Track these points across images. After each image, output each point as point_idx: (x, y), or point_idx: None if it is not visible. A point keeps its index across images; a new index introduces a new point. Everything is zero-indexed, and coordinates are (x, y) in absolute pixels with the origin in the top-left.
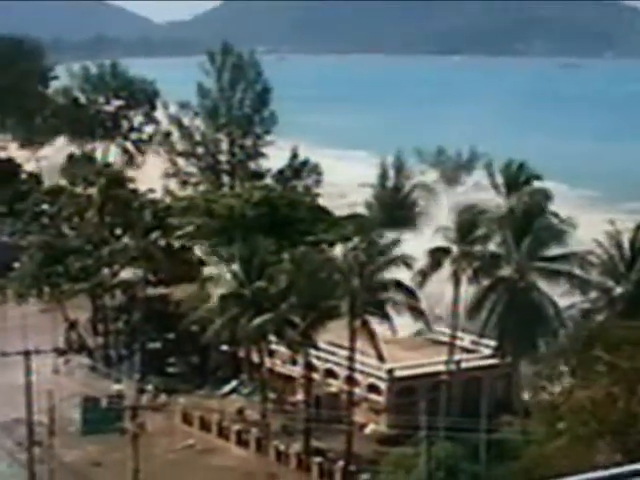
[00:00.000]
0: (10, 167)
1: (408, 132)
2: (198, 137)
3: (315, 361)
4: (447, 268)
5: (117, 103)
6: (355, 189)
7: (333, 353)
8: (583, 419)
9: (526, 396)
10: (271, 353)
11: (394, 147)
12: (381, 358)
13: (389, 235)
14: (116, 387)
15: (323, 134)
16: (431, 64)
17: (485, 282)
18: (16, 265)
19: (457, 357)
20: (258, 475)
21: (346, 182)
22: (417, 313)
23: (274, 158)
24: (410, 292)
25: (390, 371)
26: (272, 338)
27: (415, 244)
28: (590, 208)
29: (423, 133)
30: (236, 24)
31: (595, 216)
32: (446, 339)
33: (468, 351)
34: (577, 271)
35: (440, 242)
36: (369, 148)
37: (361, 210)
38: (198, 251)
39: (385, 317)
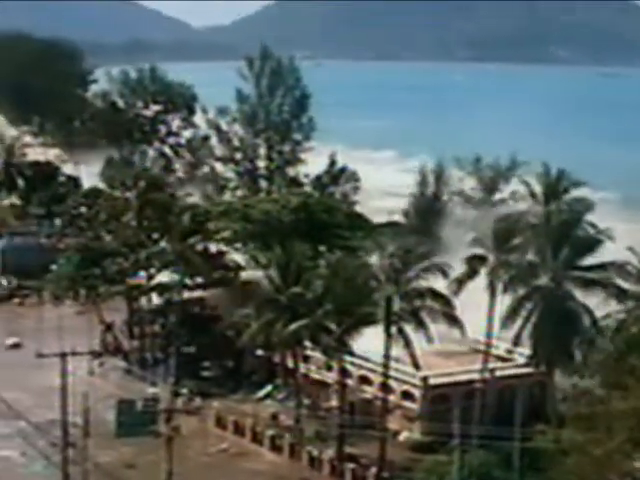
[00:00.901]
0: (49, 170)
1: (444, 139)
2: (236, 142)
3: (350, 367)
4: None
5: (155, 107)
6: (387, 194)
7: (367, 359)
8: (620, 429)
9: (560, 405)
10: (306, 358)
11: (430, 153)
12: (416, 366)
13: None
14: (151, 390)
15: (358, 139)
16: (467, 70)
17: (521, 291)
18: (53, 267)
19: (492, 365)
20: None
21: (378, 187)
22: (452, 321)
23: (312, 163)
24: (446, 300)
25: (425, 378)
26: (307, 343)
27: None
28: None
29: (460, 139)
30: (274, 29)
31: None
32: (481, 347)
33: (503, 359)
34: (613, 280)
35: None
36: (403, 153)
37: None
38: (235, 255)
39: (420, 324)
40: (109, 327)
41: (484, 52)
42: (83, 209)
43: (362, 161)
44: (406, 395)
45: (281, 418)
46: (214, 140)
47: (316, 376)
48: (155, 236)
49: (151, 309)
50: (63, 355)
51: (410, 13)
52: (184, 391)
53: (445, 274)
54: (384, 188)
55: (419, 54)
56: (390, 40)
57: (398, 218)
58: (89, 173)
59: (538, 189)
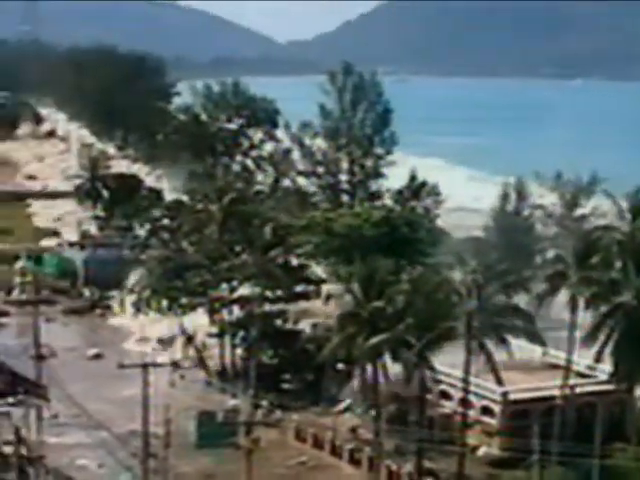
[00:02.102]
0: (132, 182)
1: (527, 155)
2: (319, 156)
3: (429, 382)
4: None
5: (238, 121)
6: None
7: (448, 374)
8: None
9: None
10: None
11: (512, 169)
12: (499, 381)
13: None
14: (231, 402)
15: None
16: (553, 87)
17: (603, 308)
18: (135, 279)
19: (572, 381)
20: None
21: (457, 202)
22: (534, 337)
23: (393, 178)
24: (528, 316)
25: (505, 394)
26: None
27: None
28: None
29: (542, 155)
30: (357, 45)
31: None
32: (562, 363)
33: (583, 376)
34: None
35: None
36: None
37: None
38: (317, 269)
39: (502, 340)
40: (190, 339)
41: (570, 69)
42: (166, 221)
43: (440, 176)
44: (485, 410)
45: (360, 432)
46: (296, 154)
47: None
48: (237, 249)
49: (232, 322)
50: (144, 366)
51: (494, 31)
52: (264, 403)
53: (526, 290)
54: (462, 203)
55: (504, 71)
56: (474, 58)
57: (479, 234)
58: (171, 186)
59: (624, 205)
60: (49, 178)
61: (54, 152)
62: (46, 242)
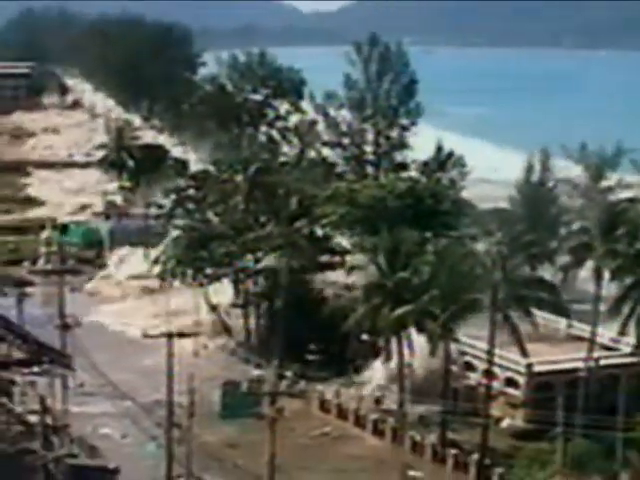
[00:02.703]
0: (158, 152)
1: (551, 126)
2: (344, 127)
3: (453, 353)
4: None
5: (264, 92)
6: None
7: (472, 346)
8: None
9: None
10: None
11: (534, 141)
12: (524, 353)
13: None
14: (256, 372)
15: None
16: (577, 58)
17: (628, 280)
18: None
19: (596, 354)
20: (392, 464)
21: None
22: (559, 309)
23: (418, 149)
24: (552, 288)
25: (529, 365)
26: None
27: None
28: None
29: (565, 127)
30: (382, 15)
31: None
32: (586, 335)
33: (607, 348)
34: None
35: None
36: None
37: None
38: (341, 240)
39: (527, 312)
40: (215, 309)
41: (594, 40)
42: (191, 191)
43: (461, 147)
44: (510, 382)
45: (385, 402)
46: (321, 125)
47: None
48: (262, 219)
49: (257, 292)
50: (169, 336)
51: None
52: (288, 374)
53: (552, 262)
54: (482, 175)
55: (528, 41)
56: (500, 28)
57: (503, 205)
58: (197, 157)
59: None
60: (70, 148)
61: (76, 122)
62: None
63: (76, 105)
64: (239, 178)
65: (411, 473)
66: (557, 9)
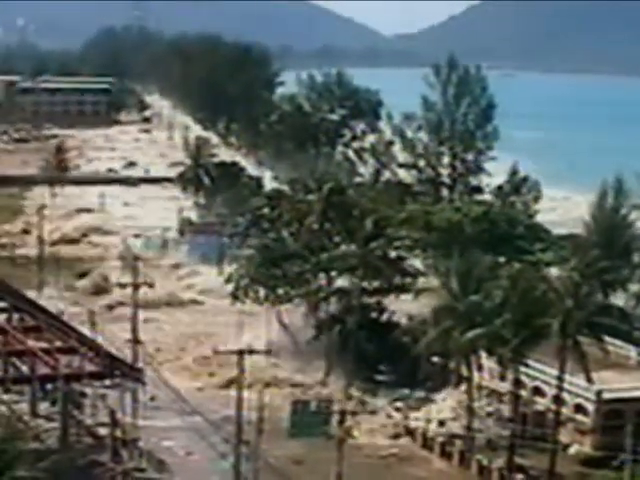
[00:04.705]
0: (234, 170)
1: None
2: (420, 149)
3: (523, 378)
4: None
5: (341, 112)
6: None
7: (542, 371)
8: None
9: None
10: (480, 367)
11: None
12: (589, 379)
13: None
14: (325, 391)
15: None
16: None
17: None
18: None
19: None
20: None
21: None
22: (629, 337)
23: (494, 173)
24: (624, 315)
25: (599, 392)
26: (482, 352)
27: None
28: None
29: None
30: (461, 39)
31: None
32: None
33: None
34: None
35: None
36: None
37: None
38: (415, 262)
39: (598, 339)
40: (286, 328)
41: None
42: (266, 210)
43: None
44: (579, 408)
45: (449, 425)
46: (398, 146)
47: (490, 385)
48: (337, 239)
49: (330, 313)
50: (240, 353)
51: (606, 28)
52: (358, 394)
53: (625, 289)
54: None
55: (615, 69)
56: (585, 54)
57: (577, 230)
58: (273, 175)
59: None
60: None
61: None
62: None
63: (146, 121)
64: (313, 197)
65: None
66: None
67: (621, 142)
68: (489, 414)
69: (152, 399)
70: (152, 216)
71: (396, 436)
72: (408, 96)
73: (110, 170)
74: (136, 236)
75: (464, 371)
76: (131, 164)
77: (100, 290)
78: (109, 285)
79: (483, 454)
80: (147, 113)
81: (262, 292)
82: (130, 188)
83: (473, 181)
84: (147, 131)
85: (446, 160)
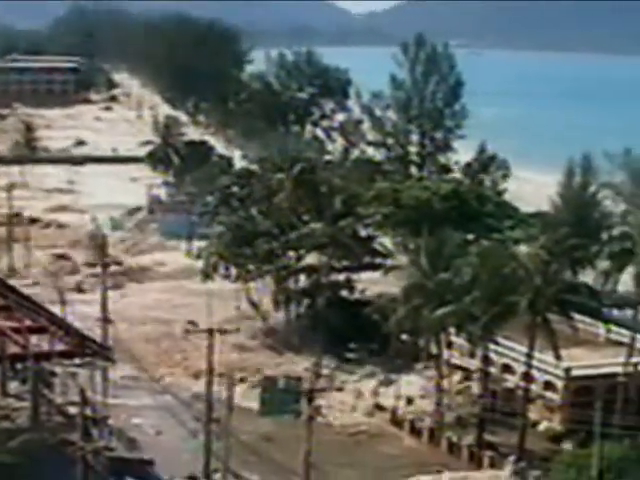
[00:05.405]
0: (203, 149)
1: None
2: (389, 127)
3: (493, 355)
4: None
5: (310, 90)
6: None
7: (511, 348)
8: None
9: None
10: (449, 345)
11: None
12: (558, 357)
13: None
14: (295, 368)
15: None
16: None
17: None
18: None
19: (635, 359)
20: (427, 465)
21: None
22: (597, 315)
23: (462, 151)
24: (593, 293)
25: (567, 370)
26: (452, 330)
27: None
28: None
29: (614, 132)
30: (431, 17)
31: None
32: (626, 340)
33: None
34: None
35: None
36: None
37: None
38: (385, 240)
39: (567, 316)
40: (255, 306)
41: None
42: (235, 189)
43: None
44: (548, 385)
45: (417, 402)
46: (367, 125)
47: (459, 362)
48: (306, 218)
49: (298, 290)
50: (210, 331)
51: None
52: (327, 372)
53: (593, 266)
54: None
55: (582, 46)
56: (552, 32)
57: (545, 208)
58: (242, 154)
59: None
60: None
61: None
62: None
63: (113, 100)
64: (283, 176)
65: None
66: (620, 17)
67: (588, 120)
68: (459, 392)
69: (122, 378)
70: (121, 195)
71: (366, 413)
72: (377, 75)
73: (63, 150)
74: (105, 216)
75: (434, 349)
76: (80, 143)
77: (69, 269)
78: (77, 264)
79: (453, 431)
80: (115, 92)
81: (232, 270)
82: (100, 166)
83: (442, 159)
84: (109, 109)
85: (415, 138)
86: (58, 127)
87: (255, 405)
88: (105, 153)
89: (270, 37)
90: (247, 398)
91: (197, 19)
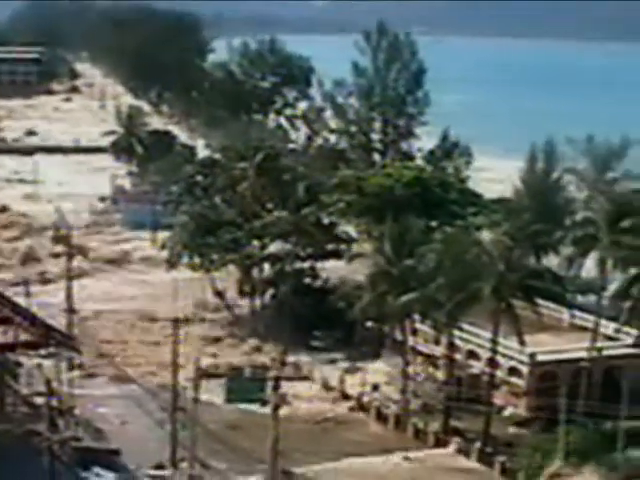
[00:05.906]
0: (166, 138)
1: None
2: (352, 115)
3: (458, 342)
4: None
5: (273, 79)
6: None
7: (476, 335)
8: None
9: None
10: (414, 331)
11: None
12: (522, 342)
13: None
14: (260, 358)
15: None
16: (597, 51)
17: (633, 271)
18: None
19: (599, 344)
20: (393, 451)
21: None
22: (561, 300)
23: (425, 138)
24: (557, 278)
25: (532, 355)
26: (417, 317)
27: None
28: None
29: (574, 118)
30: (393, 5)
31: None
32: (590, 325)
33: (611, 339)
34: None
35: None
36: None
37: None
38: (348, 227)
39: (531, 302)
40: (220, 294)
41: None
42: (199, 178)
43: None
44: (513, 371)
45: (382, 389)
46: (329, 113)
47: (424, 349)
48: (270, 206)
49: (263, 278)
50: (175, 321)
51: None
52: (293, 359)
53: (557, 252)
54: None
55: (551, 33)
56: (517, 18)
57: (508, 195)
58: (205, 143)
59: None
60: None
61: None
62: None
63: (74, 90)
64: (247, 165)
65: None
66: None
67: (548, 106)
68: (424, 378)
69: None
70: (85, 185)
71: (332, 401)
72: (340, 63)
73: (15, 140)
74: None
75: (399, 335)
76: (31, 133)
77: (32, 259)
78: (40, 254)
79: (419, 417)
80: (78, 82)
81: (196, 259)
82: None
83: (404, 146)
84: (69, 100)
85: (377, 126)
86: (18, 117)
87: (218, 399)
88: (64, 144)
89: (236, 26)
90: (210, 391)
91: (160, 9)
